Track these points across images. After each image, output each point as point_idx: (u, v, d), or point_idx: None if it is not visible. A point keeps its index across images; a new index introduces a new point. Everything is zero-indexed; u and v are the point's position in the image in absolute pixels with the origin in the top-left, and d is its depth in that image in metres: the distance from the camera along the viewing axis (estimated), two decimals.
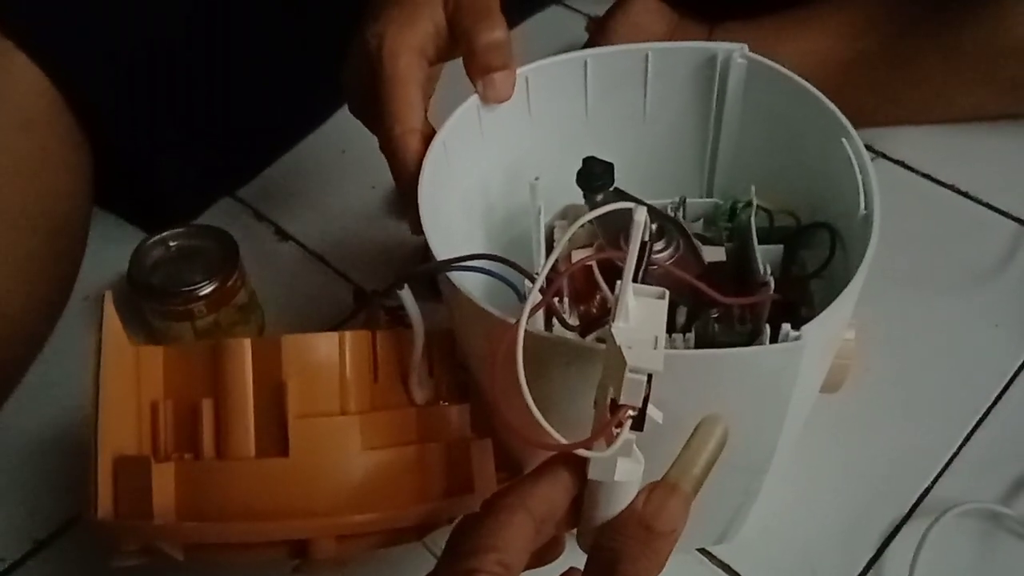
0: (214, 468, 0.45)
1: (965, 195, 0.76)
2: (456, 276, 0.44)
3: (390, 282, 0.48)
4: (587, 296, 0.52)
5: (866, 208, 0.45)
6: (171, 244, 0.68)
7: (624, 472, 0.37)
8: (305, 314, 0.73)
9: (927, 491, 0.59)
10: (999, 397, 0.64)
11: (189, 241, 0.69)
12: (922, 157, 0.78)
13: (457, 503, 0.45)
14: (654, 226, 0.50)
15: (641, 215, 0.36)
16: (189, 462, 0.46)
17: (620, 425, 0.36)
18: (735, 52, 0.53)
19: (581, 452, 0.36)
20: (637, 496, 0.38)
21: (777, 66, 0.52)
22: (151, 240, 0.68)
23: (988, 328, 0.67)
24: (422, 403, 0.49)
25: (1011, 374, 0.64)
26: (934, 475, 0.60)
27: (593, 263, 0.50)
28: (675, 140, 0.58)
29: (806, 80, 0.51)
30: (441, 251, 0.46)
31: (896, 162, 0.78)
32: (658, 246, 0.50)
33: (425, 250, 0.71)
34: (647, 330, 0.36)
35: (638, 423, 0.36)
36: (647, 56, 0.54)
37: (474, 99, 0.52)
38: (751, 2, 0.78)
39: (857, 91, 0.76)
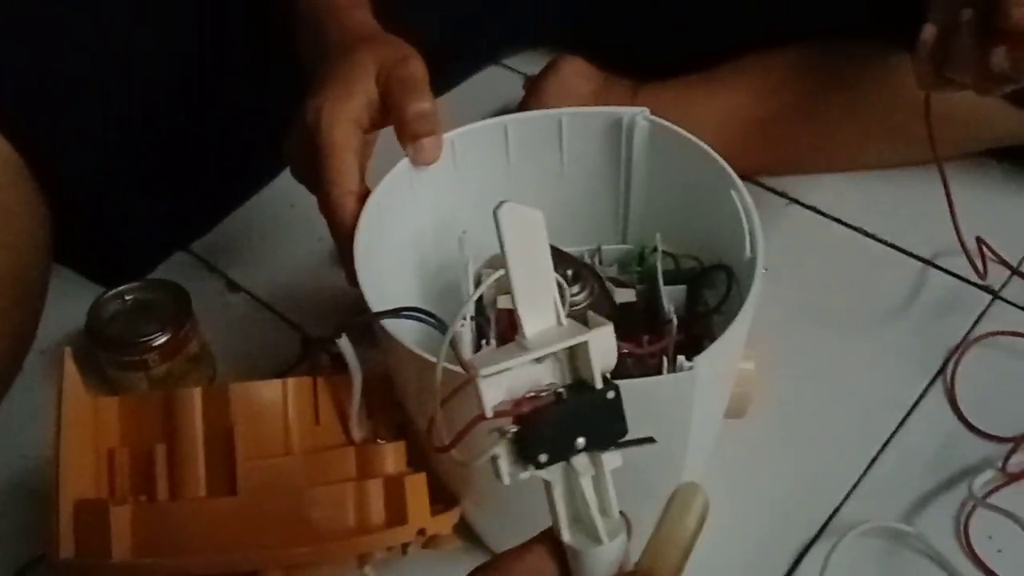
0: (168, 509, 0.49)
1: (872, 236, 0.82)
2: (390, 324, 0.49)
3: (333, 331, 0.52)
4: (512, 337, 0.56)
5: (751, 252, 0.51)
6: (127, 298, 0.72)
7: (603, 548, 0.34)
8: (255, 362, 0.77)
9: (834, 513, 0.64)
10: (900, 424, 0.69)
11: (144, 294, 0.72)
12: (832, 203, 0.84)
13: (394, 533, 0.49)
14: (570, 272, 0.55)
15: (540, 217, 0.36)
16: (144, 504, 0.50)
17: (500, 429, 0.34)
18: (638, 115, 0.59)
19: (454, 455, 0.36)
20: None
21: (674, 127, 0.58)
22: (108, 294, 0.72)
23: (891, 360, 0.73)
24: (360, 442, 0.53)
25: (911, 403, 0.70)
26: (841, 498, 0.65)
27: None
28: (591, 193, 0.63)
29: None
30: (375, 302, 0.51)
31: (808, 207, 0.84)
32: (574, 290, 0.55)
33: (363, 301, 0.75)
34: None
35: (528, 447, 0.34)
36: (561, 121, 0.60)
37: (405, 162, 0.57)
38: (673, 63, 0.84)
39: (773, 144, 0.82)
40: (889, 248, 0.81)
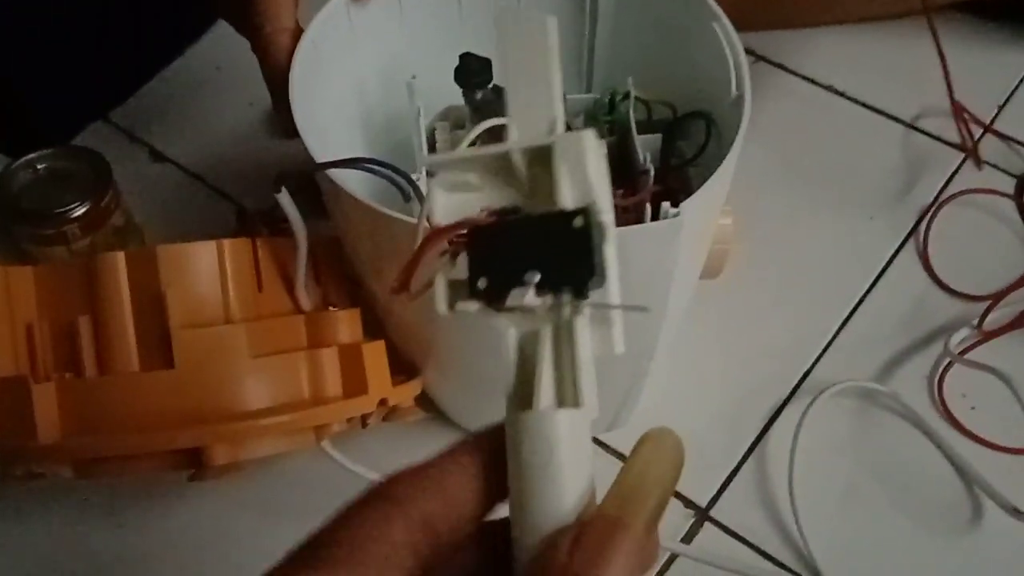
0: (97, 384, 0.44)
1: (843, 95, 0.78)
2: (338, 176, 0.44)
3: (273, 190, 0.47)
4: None
5: (737, 89, 0.46)
6: (39, 167, 0.65)
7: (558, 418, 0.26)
8: (187, 236, 0.70)
9: (807, 373, 0.62)
10: (873, 284, 0.66)
11: (58, 163, 0.65)
12: (802, 60, 0.79)
13: (352, 404, 0.45)
14: None
15: (553, 24, 0.30)
16: (71, 380, 0.45)
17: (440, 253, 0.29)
18: None
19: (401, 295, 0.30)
20: (562, 536, 0.25)
21: None
22: (17, 163, 0.65)
23: (863, 220, 0.70)
24: (310, 310, 0.49)
25: (884, 263, 0.67)
26: (813, 358, 0.63)
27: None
28: None
29: None
30: (319, 153, 0.46)
31: (776, 65, 0.80)
32: None
33: (306, 159, 0.70)
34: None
35: (472, 271, 0.28)
36: None
37: None
38: None
39: None
40: (862, 107, 0.77)
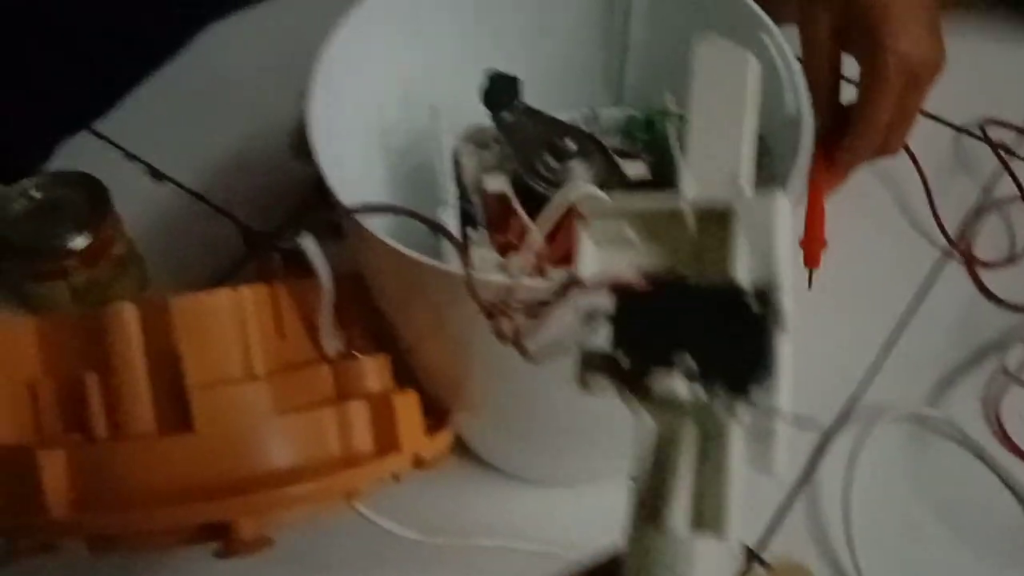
0: (110, 450, 0.41)
1: None
2: (369, 222, 0.40)
3: (282, 223, 0.43)
4: (503, 226, 0.48)
5: (795, 111, 0.43)
6: (33, 194, 0.61)
7: None
8: (191, 262, 0.67)
9: (854, 398, 0.59)
10: (919, 298, 0.63)
11: (53, 191, 0.61)
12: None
13: (385, 464, 0.42)
14: (573, 145, 0.46)
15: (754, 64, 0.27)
16: (81, 444, 0.41)
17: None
18: None
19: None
20: None
21: None
22: (9, 191, 0.61)
23: (906, 228, 0.66)
24: (334, 355, 0.45)
25: (926, 275, 0.64)
26: (859, 381, 0.59)
27: (508, 191, 0.47)
28: (577, 45, 0.54)
29: None
30: (340, 189, 0.42)
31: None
32: (577, 169, 0.46)
33: (319, 183, 0.66)
34: None
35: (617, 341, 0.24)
36: None
37: (357, 13, 0.47)
38: None
39: None
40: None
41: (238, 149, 0.73)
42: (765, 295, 0.23)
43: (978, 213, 0.66)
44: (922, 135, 0.71)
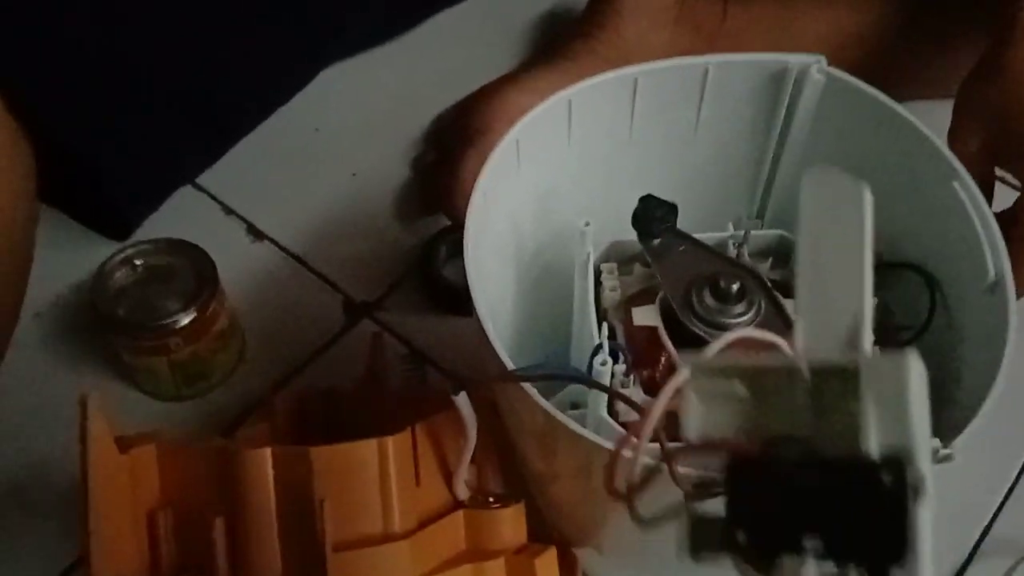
0: None
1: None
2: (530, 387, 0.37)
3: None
4: (651, 361, 0.45)
5: (995, 273, 0.39)
6: (137, 263, 0.59)
7: None
8: (289, 332, 0.65)
9: (986, 532, 0.55)
10: None
11: (158, 259, 0.59)
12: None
13: None
14: (734, 286, 0.43)
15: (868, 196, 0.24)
16: None
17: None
18: (812, 66, 0.46)
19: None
20: None
21: (864, 87, 0.45)
22: (114, 260, 0.59)
23: None
24: (466, 499, 0.43)
25: None
26: (992, 513, 0.56)
27: (660, 325, 0.44)
28: (724, 160, 0.51)
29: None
30: (483, 307, 0.40)
31: None
32: (738, 309, 0.43)
33: (428, 247, 0.63)
34: None
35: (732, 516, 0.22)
36: (707, 71, 0.47)
37: (515, 132, 0.44)
38: None
39: (876, 64, 0.69)
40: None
41: (338, 209, 0.71)
42: (900, 466, 0.21)
43: None
44: None
